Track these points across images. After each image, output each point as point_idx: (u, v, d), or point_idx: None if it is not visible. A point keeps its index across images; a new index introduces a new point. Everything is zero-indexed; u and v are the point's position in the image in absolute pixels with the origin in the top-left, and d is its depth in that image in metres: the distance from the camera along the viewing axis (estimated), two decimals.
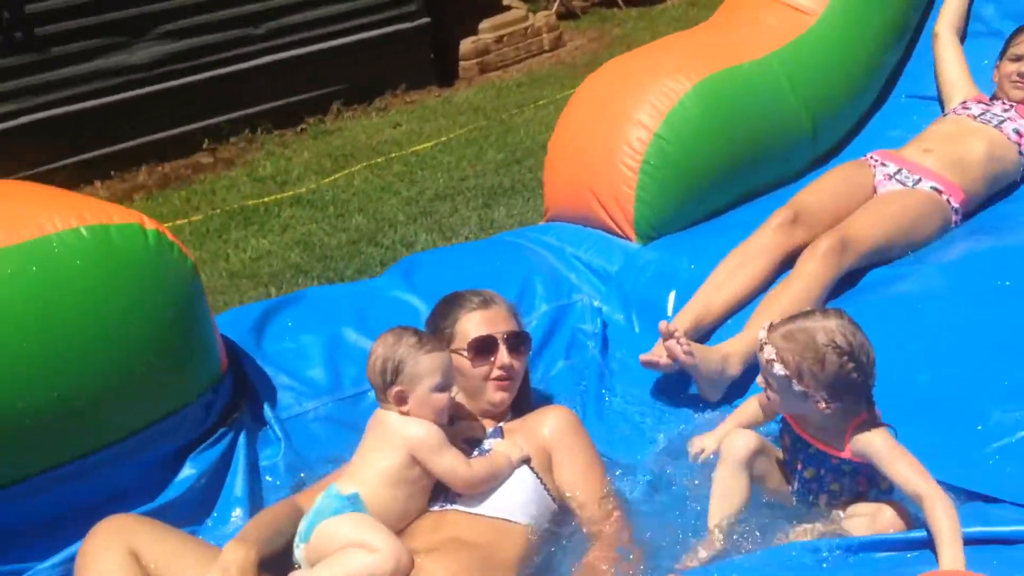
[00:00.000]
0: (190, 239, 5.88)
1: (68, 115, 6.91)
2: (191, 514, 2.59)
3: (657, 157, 3.59)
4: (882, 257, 3.23)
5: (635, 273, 3.50)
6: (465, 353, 2.74)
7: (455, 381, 2.59)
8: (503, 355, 2.75)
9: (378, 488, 2.45)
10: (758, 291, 3.21)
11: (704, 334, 3.19)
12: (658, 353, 3.02)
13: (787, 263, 3.25)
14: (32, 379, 2.31)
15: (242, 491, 2.67)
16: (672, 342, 2.93)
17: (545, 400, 3.09)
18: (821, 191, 3.45)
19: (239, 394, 2.84)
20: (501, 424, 2.77)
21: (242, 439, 2.76)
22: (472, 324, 2.78)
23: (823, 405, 2.23)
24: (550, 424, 2.71)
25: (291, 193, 6.45)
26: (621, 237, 3.69)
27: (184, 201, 6.57)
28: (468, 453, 2.63)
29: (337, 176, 6.70)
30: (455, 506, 2.53)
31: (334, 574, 2.31)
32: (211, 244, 5.80)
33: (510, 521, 2.52)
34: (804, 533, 2.29)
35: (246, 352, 2.99)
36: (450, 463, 2.50)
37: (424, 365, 2.50)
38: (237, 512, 2.63)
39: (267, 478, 2.76)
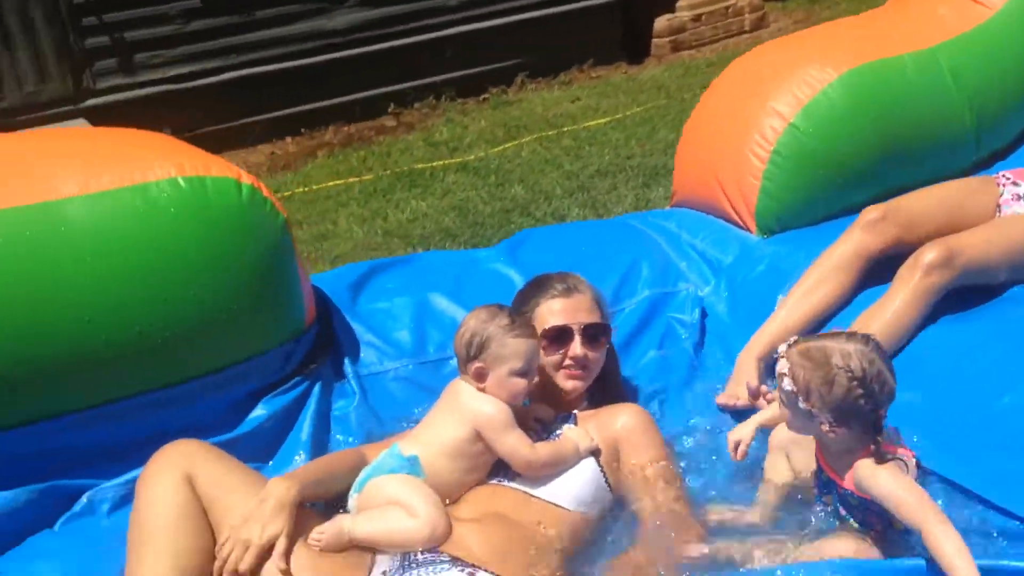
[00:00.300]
0: (357, 197, 6.15)
1: (266, 74, 7.35)
2: (256, 452, 2.70)
3: (789, 148, 3.40)
4: (988, 281, 2.92)
5: (748, 266, 3.34)
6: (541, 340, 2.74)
7: (536, 367, 2.57)
8: (576, 346, 2.71)
9: (438, 456, 2.49)
10: (841, 304, 3.00)
11: None
12: (733, 394, 2.95)
13: (874, 271, 3.02)
14: (120, 312, 2.49)
15: (307, 436, 2.76)
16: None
17: (630, 389, 3.04)
18: (928, 196, 3.15)
19: (321, 347, 2.95)
20: (575, 411, 2.75)
21: (317, 389, 2.86)
22: (550, 311, 2.76)
23: (826, 428, 2.16)
24: (623, 420, 2.66)
25: (459, 160, 6.59)
26: (742, 228, 3.54)
27: (361, 160, 6.86)
28: (538, 435, 2.62)
29: (507, 146, 6.78)
30: (512, 483, 2.53)
31: (371, 528, 2.37)
32: (375, 202, 6.04)
33: (561, 507, 2.50)
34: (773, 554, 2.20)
35: (339, 308, 3.10)
36: (513, 444, 2.50)
37: (510, 348, 2.51)
38: (300, 456, 2.73)
39: (338, 434, 2.84)
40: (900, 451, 2.23)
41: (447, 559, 2.29)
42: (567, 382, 2.74)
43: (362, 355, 3.04)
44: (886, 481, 2.11)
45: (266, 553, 2.24)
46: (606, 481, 2.59)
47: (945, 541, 1.95)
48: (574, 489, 2.53)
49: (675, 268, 3.44)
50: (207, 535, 2.29)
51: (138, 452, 2.39)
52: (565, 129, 6.98)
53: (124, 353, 2.50)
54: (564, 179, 6.05)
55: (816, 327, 2.95)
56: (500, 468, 2.56)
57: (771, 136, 3.43)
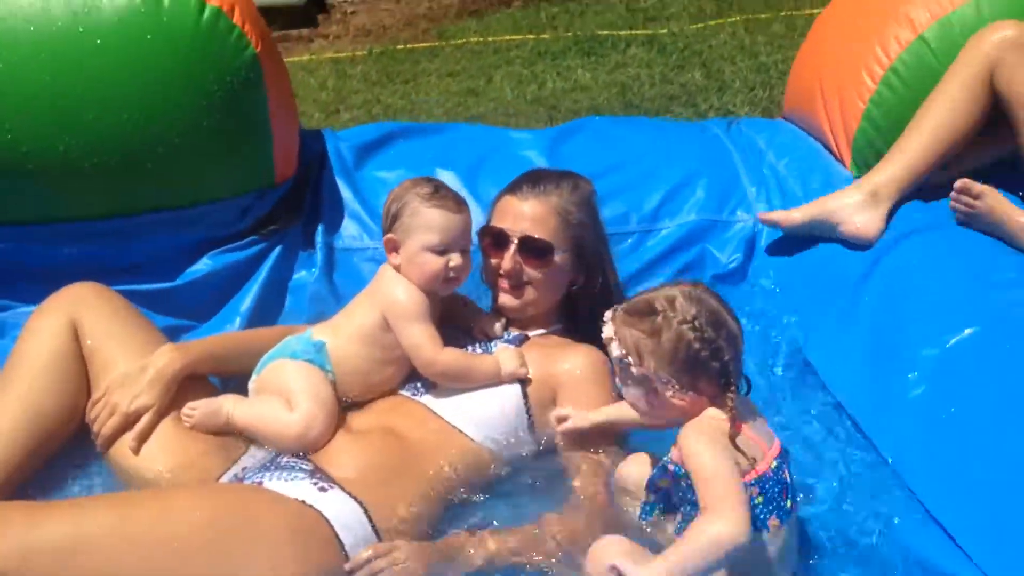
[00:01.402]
0: (526, 56, 5.79)
1: None
2: (192, 309, 2.59)
3: (910, 67, 2.70)
4: None
5: None
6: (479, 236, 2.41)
7: (456, 247, 2.25)
8: (508, 256, 2.34)
9: (349, 343, 2.27)
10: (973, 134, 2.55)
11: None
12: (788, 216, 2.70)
13: None
14: (45, 129, 2.35)
15: (251, 302, 2.61)
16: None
17: None
18: None
19: (293, 208, 2.74)
20: (529, 333, 2.40)
21: (276, 253, 2.68)
22: (501, 209, 2.40)
23: (671, 394, 1.81)
24: (573, 361, 2.30)
25: (648, 32, 6.01)
26: (836, 158, 2.91)
27: (549, 18, 6.43)
28: (472, 345, 2.35)
29: (708, 24, 6.10)
30: (422, 398, 2.27)
31: (248, 413, 2.22)
32: (540, 65, 5.65)
33: (465, 435, 2.21)
34: None
35: (335, 170, 2.86)
36: (417, 338, 2.23)
37: (422, 218, 2.22)
38: (236, 324, 2.58)
39: (289, 306, 2.68)
40: (751, 438, 1.80)
41: (307, 469, 2.09)
42: (501, 296, 2.40)
43: (343, 226, 2.81)
44: (697, 444, 1.74)
45: (131, 422, 2.14)
46: (529, 420, 2.26)
47: (703, 533, 1.62)
48: (486, 415, 2.24)
49: (740, 193, 2.91)
50: (76, 386, 2.20)
51: (65, 280, 2.29)
52: (782, 13, 6.15)
53: (52, 173, 2.39)
54: (752, 71, 5.36)
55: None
56: (416, 377, 2.32)
57: (893, 49, 2.73)
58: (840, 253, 2.59)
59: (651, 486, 1.90)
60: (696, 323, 1.78)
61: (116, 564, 1.79)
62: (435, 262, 2.22)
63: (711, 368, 1.79)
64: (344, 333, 2.27)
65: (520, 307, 2.38)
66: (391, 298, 2.25)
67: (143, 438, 2.14)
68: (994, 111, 2.51)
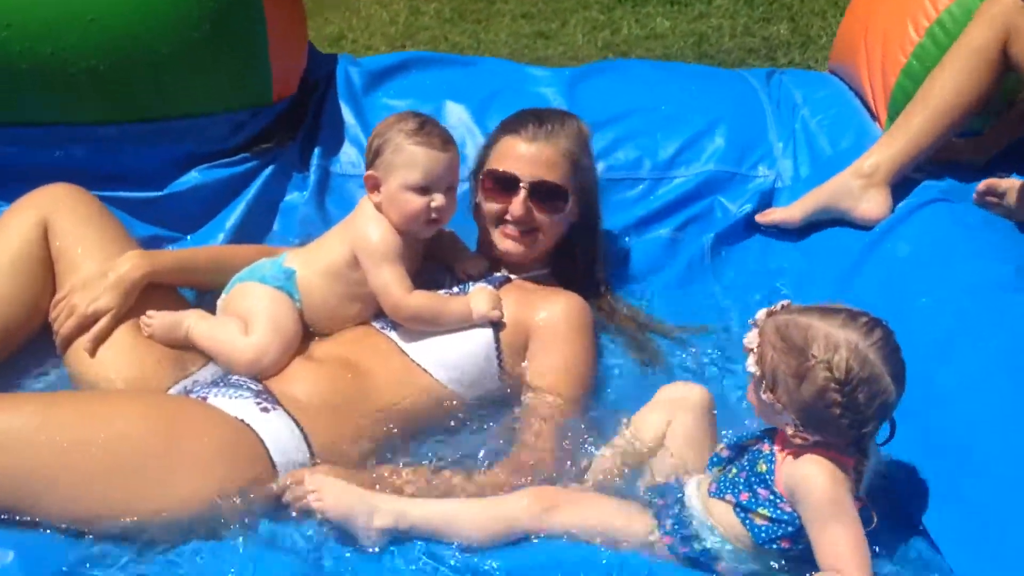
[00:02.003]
0: (608, 1, 5.58)
1: None
2: (177, 220, 2.57)
3: (959, 20, 2.44)
4: None
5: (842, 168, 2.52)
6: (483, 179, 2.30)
7: (439, 186, 2.14)
8: (518, 202, 2.23)
9: (317, 275, 2.20)
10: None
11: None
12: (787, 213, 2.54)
13: None
14: (44, 29, 2.32)
15: (234, 222, 2.57)
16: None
17: (615, 275, 2.51)
18: None
19: (289, 128, 2.68)
20: (512, 276, 2.30)
21: (268, 172, 2.63)
22: (506, 151, 2.28)
23: (791, 431, 1.66)
24: (551, 310, 2.19)
25: None
26: (872, 115, 2.68)
27: None
28: (442, 287, 2.26)
29: None
30: (391, 333, 2.20)
31: (206, 331, 2.18)
32: (619, 11, 5.43)
33: (429, 374, 2.14)
34: None
35: (344, 94, 2.78)
36: (385, 280, 2.14)
37: (404, 155, 2.12)
38: (220, 239, 2.55)
39: (278, 227, 2.64)
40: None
41: (255, 390, 2.04)
42: (503, 241, 2.29)
43: (342, 151, 2.74)
44: (824, 486, 1.62)
45: (88, 324, 2.13)
46: (499, 365, 2.17)
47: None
48: (453, 358, 2.15)
49: (765, 147, 2.73)
50: (40, 285, 2.19)
51: (48, 181, 2.27)
52: None
53: (44, 75, 2.37)
54: None
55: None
56: None
57: (942, 1, 2.48)
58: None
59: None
60: (846, 389, 1.59)
61: (34, 462, 1.79)
62: (416, 202, 2.12)
63: (843, 429, 1.63)
64: (314, 264, 2.21)
65: (524, 254, 2.28)
66: (362, 236, 2.16)
67: (98, 341, 2.13)
68: None
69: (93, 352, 2.13)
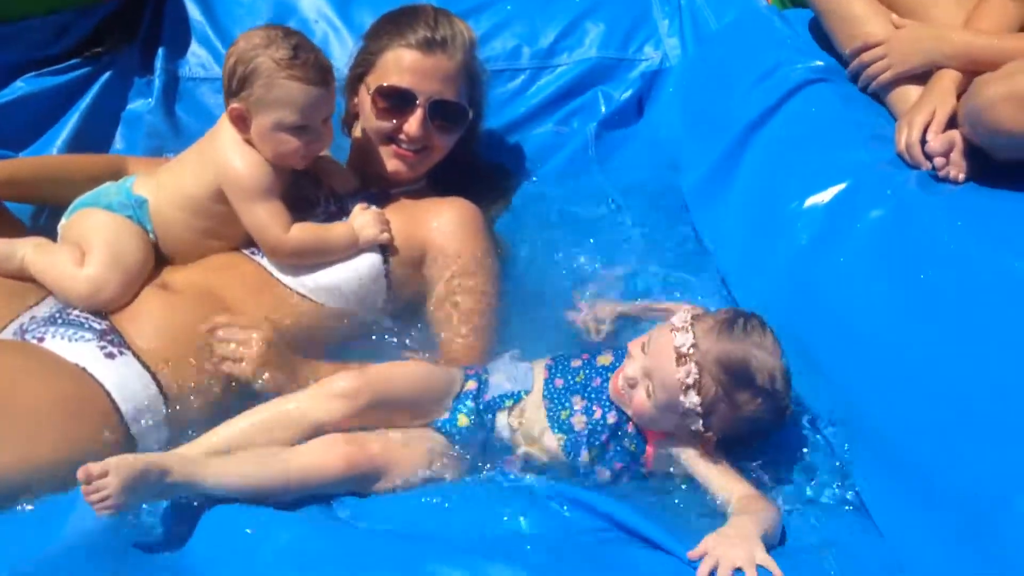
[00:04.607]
0: None
1: None
2: (6, 136, 2.29)
3: None
4: None
5: (724, 44, 2.38)
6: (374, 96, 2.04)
7: (317, 121, 1.90)
8: (414, 121, 2.02)
9: (171, 207, 1.95)
10: None
11: None
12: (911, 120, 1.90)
13: None
14: None
15: (68, 135, 2.32)
16: None
17: (495, 172, 2.36)
18: None
19: (124, 30, 2.40)
20: (392, 191, 2.10)
21: (105, 79, 2.37)
22: (397, 63, 2.03)
23: (701, 428, 1.64)
24: (444, 217, 2.03)
25: None
26: None
27: None
28: (324, 207, 2.04)
29: None
30: (263, 259, 1.97)
31: (41, 261, 1.91)
32: None
33: (310, 300, 1.94)
34: None
35: None
36: (262, 219, 1.92)
37: (279, 92, 1.85)
38: (54, 151, 2.30)
39: (122, 139, 2.38)
40: None
41: (98, 329, 1.81)
42: (392, 160, 2.08)
43: (190, 52, 2.47)
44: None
45: None
46: (388, 285, 2.00)
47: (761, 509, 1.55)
48: (335, 283, 1.96)
49: (650, 26, 2.57)
50: None
51: None
52: None
53: None
54: None
55: None
56: None
57: None
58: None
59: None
60: (780, 407, 1.64)
61: None
62: (290, 142, 1.89)
63: (749, 437, 1.68)
64: (169, 194, 1.94)
65: (409, 176, 2.09)
66: (229, 169, 1.90)
67: None
68: None
69: None
